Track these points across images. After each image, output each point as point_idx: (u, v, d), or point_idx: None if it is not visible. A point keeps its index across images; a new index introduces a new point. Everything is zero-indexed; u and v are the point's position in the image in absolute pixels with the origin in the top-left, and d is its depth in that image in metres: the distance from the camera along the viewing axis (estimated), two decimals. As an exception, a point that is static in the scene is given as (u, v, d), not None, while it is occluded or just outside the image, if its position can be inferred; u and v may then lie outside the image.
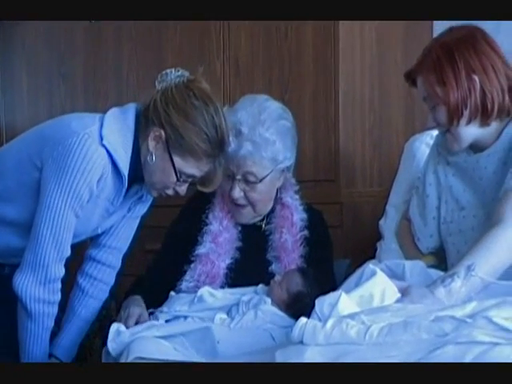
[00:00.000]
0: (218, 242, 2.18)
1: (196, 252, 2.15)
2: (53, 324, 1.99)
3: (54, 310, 1.95)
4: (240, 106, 2.19)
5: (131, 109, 1.98)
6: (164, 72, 1.98)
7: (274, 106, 2.19)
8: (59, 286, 1.95)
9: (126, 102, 2.12)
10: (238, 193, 2.13)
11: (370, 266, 1.72)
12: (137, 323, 2.02)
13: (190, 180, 1.99)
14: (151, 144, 1.93)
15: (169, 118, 1.92)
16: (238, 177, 2.11)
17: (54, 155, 1.88)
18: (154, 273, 2.23)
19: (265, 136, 2.09)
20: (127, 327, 2.00)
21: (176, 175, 1.95)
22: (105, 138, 1.89)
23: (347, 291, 1.61)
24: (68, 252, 1.92)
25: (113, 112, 1.97)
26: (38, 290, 1.91)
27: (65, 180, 1.86)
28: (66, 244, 1.92)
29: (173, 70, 1.98)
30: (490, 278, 1.73)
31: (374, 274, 1.64)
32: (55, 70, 3.34)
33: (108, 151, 1.89)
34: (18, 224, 1.97)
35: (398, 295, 1.63)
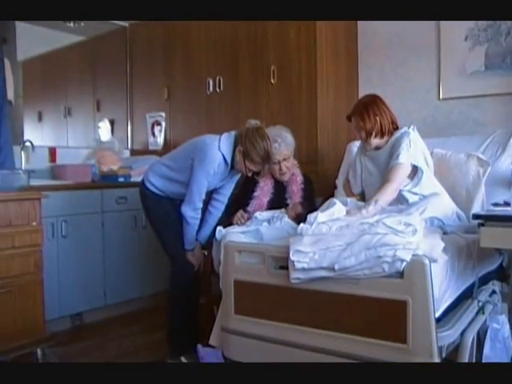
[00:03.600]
0: (263, 190, 3.15)
1: (253, 194, 3.15)
2: (197, 227, 2.97)
3: (198, 221, 2.95)
4: (274, 132, 3.02)
5: (233, 133, 2.85)
6: (250, 120, 2.84)
7: (287, 134, 3.12)
8: (200, 211, 2.90)
9: (225, 128, 2.95)
10: (284, 167, 3.07)
11: (334, 200, 2.36)
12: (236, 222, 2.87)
13: (253, 171, 2.83)
14: (237, 153, 2.79)
15: (245, 144, 2.76)
16: (280, 159, 3.03)
17: (198, 156, 2.77)
18: (234, 203, 3.16)
19: (286, 142, 3.07)
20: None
21: (245, 169, 2.79)
22: (221, 147, 2.76)
23: (322, 211, 2.18)
24: (204, 196, 2.86)
25: (225, 135, 2.85)
26: (191, 212, 2.87)
27: (203, 167, 2.75)
28: (203, 193, 2.83)
29: (252, 120, 2.86)
30: (384, 205, 2.42)
31: (335, 203, 2.31)
32: (201, 111, 4.36)
33: (222, 153, 2.77)
34: (184, 183, 2.86)
35: (345, 213, 2.26)
